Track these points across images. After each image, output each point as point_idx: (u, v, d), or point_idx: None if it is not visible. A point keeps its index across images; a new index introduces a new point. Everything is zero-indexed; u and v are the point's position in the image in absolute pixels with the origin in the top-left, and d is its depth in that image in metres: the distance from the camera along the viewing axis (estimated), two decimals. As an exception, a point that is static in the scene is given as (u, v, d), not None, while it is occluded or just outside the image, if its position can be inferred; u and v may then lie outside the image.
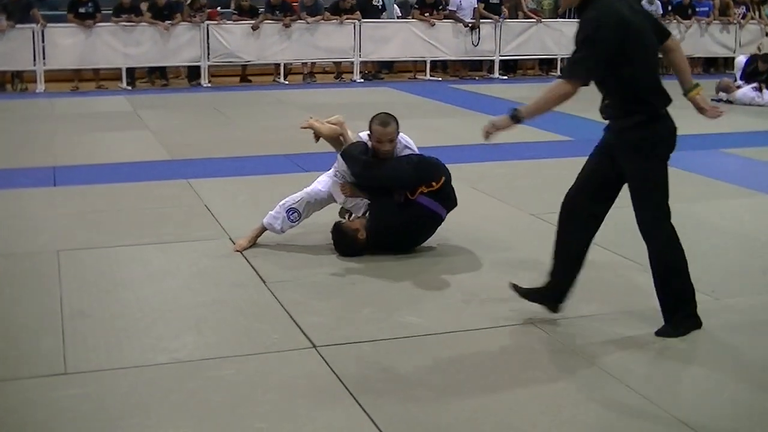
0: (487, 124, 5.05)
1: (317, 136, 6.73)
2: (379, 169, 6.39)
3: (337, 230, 6.45)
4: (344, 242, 6.41)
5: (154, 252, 6.59)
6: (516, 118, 5.02)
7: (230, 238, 6.81)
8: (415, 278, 6.01)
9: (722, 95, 15.60)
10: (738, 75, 16.18)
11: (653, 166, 5.00)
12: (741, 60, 16.41)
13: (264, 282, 5.80)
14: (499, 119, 5.10)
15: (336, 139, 6.69)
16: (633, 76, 4.87)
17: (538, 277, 6.05)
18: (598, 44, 4.76)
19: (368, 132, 6.45)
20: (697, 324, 5.10)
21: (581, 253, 5.23)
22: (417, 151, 6.67)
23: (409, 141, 6.69)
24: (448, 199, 6.47)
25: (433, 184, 6.36)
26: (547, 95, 4.92)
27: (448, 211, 6.50)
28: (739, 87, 15.53)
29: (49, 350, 4.80)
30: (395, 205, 6.39)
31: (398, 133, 6.43)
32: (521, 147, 10.94)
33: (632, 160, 4.98)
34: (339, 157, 6.59)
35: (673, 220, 7.41)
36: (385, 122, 6.33)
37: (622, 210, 7.81)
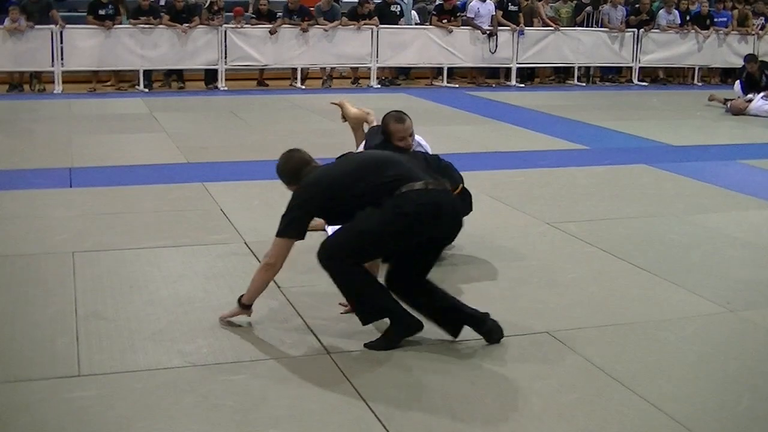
0: (221, 314, 5.27)
1: (344, 117, 6.95)
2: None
3: None
4: None
5: (169, 255, 6.60)
6: (242, 304, 5.16)
7: (245, 242, 6.81)
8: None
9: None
10: (739, 92, 16.02)
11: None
12: (737, 87, 16.24)
13: (279, 287, 5.79)
14: (230, 310, 5.26)
15: (359, 124, 6.84)
16: None
17: (552, 287, 6.05)
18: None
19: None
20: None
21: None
22: (430, 152, 6.67)
23: (422, 141, 6.70)
24: (464, 204, 6.45)
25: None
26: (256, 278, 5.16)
27: (464, 215, 6.48)
28: (749, 101, 15.42)
29: (63, 351, 4.81)
30: None
31: None
32: (537, 155, 10.95)
33: None
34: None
35: (689, 231, 7.45)
36: (401, 119, 6.31)
37: (636, 220, 7.83)
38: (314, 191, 4.92)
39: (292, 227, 4.89)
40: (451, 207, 4.91)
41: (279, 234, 4.92)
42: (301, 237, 4.93)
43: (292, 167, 5.09)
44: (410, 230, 4.77)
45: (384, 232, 4.76)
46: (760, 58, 16.90)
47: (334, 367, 4.70)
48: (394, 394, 4.41)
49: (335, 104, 7.08)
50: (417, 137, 6.56)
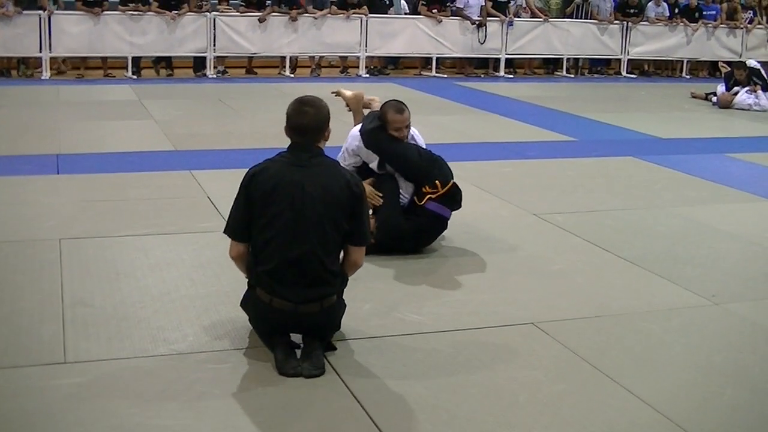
0: None
1: (347, 104, 7.23)
2: (390, 142, 6.44)
3: None
4: None
5: (156, 242, 6.59)
6: None
7: (232, 231, 6.81)
8: (417, 277, 6.01)
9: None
10: (722, 90, 16.01)
11: None
12: (720, 88, 16.22)
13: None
14: None
15: (359, 107, 7.15)
16: None
17: (538, 278, 6.07)
18: None
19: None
20: None
21: None
22: (423, 145, 6.69)
23: (416, 134, 6.72)
24: (453, 201, 6.47)
25: (437, 184, 6.36)
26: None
27: (452, 211, 6.51)
28: (735, 94, 15.48)
29: (49, 338, 4.80)
30: (402, 210, 6.42)
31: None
32: (525, 146, 10.97)
33: None
34: (350, 135, 6.68)
35: (676, 224, 7.48)
36: (400, 109, 6.38)
37: (623, 212, 7.85)
38: None
39: None
40: None
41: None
42: None
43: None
44: None
45: None
46: (749, 58, 16.98)
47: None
48: (380, 384, 4.42)
49: (335, 93, 7.28)
50: (413, 130, 6.60)
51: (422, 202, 6.38)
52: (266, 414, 4.09)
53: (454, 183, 6.45)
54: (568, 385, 4.50)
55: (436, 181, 6.38)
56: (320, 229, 4.56)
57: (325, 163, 4.71)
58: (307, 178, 4.58)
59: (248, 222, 4.66)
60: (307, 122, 4.68)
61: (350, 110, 7.14)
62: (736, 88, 15.58)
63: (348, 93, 7.22)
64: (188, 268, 6.08)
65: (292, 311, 4.54)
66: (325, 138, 4.78)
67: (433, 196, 6.37)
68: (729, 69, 16.35)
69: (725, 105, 15.36)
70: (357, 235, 4.73)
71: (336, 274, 4.68)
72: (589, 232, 7.14)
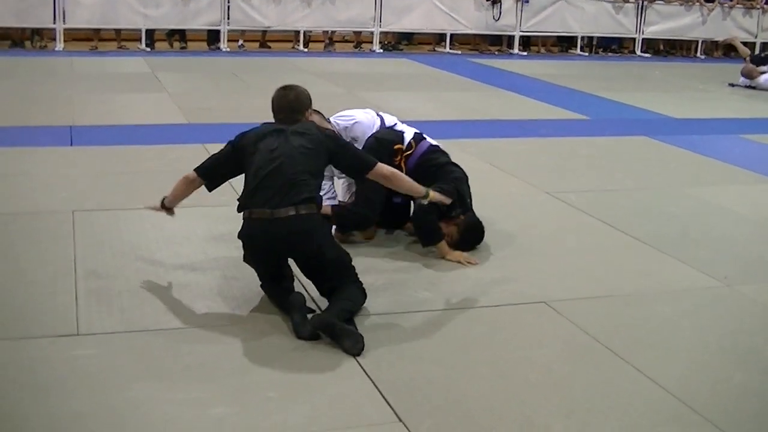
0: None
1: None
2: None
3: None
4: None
5: (169, 216, 6.59)
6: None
7: (245, 205, 6.80)
8: (428, 254, 5.99)
9: (743, 81, 15.49)
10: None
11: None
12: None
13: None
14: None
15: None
16: None
17: (550, 257, 6.06)
18: None
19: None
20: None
21: None
22: (356, 121, 6.44)
23: (346, 116, 6.51)
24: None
25: (400, 146, 6.20)
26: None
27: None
28: (762, 73, 15.36)
29: (62, 310, 4.82)
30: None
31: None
32: (537, 124, 10.95)
33: None
34: (359, 127, 6.53)
35: (689, 204, 7.46)
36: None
37: (636, 192, 7.84)
38: None
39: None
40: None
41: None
42: None
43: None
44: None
45: None
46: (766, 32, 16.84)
47: (332, 333, 4.71)
48: (393, 361, 4.43)
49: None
50: (338, 119, 6.47)
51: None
52: (278, 390, 4.10)
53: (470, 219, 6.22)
54: (580, 365, 4.51)
55: (398, 145, 6.23)
56: (298, 161, 4.91)
57: (308, 125, 5.20)
58: (290, 131, 5.07)
59: (221, 171, 5.30)
60: (286, 103, 5.25)
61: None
62: (762, 68, 15.43)
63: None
64: (201, 241, 6.09)
65: (269, 219, 4.77)
66: (307, 119, 5.27)
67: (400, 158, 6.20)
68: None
69: (748, 75, 15.25)
70: (358, 163, 5.23)
71: (312, 189, 4.90)
72: (602, 211, 7.13)
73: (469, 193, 6.25)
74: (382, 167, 5.18)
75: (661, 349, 4.73)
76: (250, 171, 4.96)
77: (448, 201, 5.63)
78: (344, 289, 4.83)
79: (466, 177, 6.29)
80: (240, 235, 4.98)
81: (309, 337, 4.56)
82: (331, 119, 6.38)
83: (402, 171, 5.73)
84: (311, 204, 4.84)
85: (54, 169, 7.78)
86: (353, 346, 4.46)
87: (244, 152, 5.07)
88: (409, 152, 6.19)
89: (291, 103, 5.24)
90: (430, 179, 5.89)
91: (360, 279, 4.98)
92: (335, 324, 4.52)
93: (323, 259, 4.85)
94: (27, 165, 7.87)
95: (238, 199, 5.02)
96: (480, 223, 6.18)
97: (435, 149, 6.36)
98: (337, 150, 5.12)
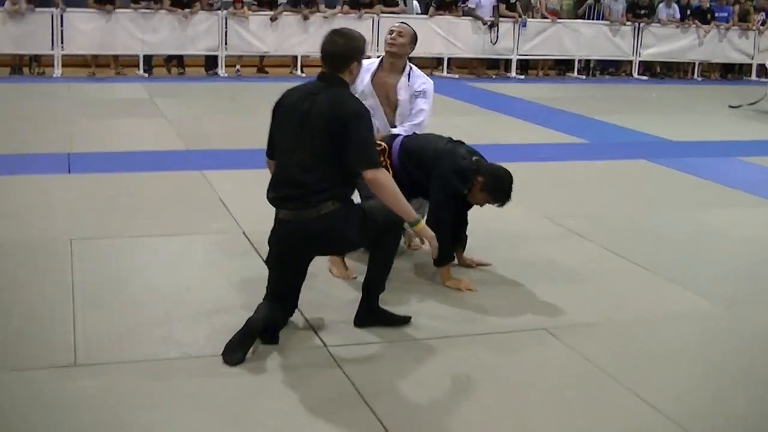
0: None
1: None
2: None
3: None
4: None
5: (167, 243, 6.59)
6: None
7: (243, 232, 6.80)
8: (429, 281, 5.99)
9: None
10: None
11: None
12: None
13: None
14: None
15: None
16: None
17: (550, 282, 6.05)
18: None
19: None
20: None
21: None
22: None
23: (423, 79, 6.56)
24: None
25: (383, 146, 6.00)
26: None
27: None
28: None
29: (60, 340, 4.80)
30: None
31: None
32: (536, 148, 10.96)
33: None
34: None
35: (688, 228, 7.45)
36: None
37: (635, 216, 7.83)
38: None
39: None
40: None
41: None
42: None
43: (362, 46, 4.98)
44: None
45: None
46: (762, 53, 16.78)
47: (331, 361, 4.69)
48: (391, 389, 4.41)
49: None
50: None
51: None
52: (276, 420, 4.08)
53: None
54: (580, 391, 4.49)
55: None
56: (310, 145, 4.75)
57: (333, 92, 4.84)
58: (313, 105, 4.78)
59: (272, 140, 5.14)
60: (332, 50, 4.88)
61: None
62: None
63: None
64: (200, 269, 6.08)
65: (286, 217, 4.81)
66: (351, 72, 4.93)
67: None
68: None
69: None
70: (356, 157, 4.73)
71: (324, 184, 4.75)
72: (601, 236, 7.12)
73: (469, 149, 6.08)
74: (376, 176, 4.74)
75: (661, 375, 4.71)
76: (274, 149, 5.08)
77: (434, 245, 4.99)
78: None
79: (452, 144, 6.11)
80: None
81: (231, 363, 4.59)
82: None
83: (389, 172, 5.37)
84: (325, 200, 4.78)
85: (52, 196, 7.77)
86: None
87: (274, 120, 5.08)
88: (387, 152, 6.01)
89: (335, 53, 4.87)
90: (418, 173, 5.88)
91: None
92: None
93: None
94: (25, 193, 7.87)
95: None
96: (498, 168, 5.94)
97: (408, 139, 6.16)
98: (343, 133, 4.71)
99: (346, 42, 4.89)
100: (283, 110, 4.96)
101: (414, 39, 6.49)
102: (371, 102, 6.28)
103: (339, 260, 5.95)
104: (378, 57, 6.79)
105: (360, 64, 5.00)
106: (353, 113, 4.75)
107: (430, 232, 4.93)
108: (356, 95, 6.01)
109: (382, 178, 4.76)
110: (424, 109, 6.54)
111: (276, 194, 4.88)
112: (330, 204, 4.72)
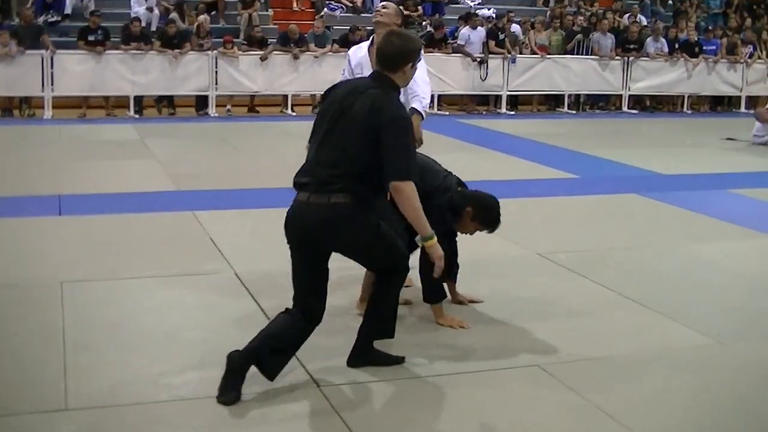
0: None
1: None
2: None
3: None
4: None
5: (158, 285, 6.57)
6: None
7: (235, 273, 6.78)
8: (421, 319, 5.97)
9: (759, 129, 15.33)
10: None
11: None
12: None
13: (268, 319, 5.74)
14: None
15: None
16: None
17: (542, 319, 6.03)
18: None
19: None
20: None
21: None
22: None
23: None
24: None
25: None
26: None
27: None
28: None
29: (50, 384, 4.77)
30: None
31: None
32: (528, 184, 10.95)
33: None
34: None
35: (679, 262, 7.45)
36: None
37: (627, 251, 7.82)
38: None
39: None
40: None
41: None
42: None
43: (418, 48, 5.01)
44: None
45: None
46: (751, 86, 16.82)
47: (324, 400, 4.67)
48: (383, 428, 4.38)
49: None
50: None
51: None
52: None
53: None
54: (574, 428, 4.46)
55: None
56: (340, 141, 4.75)
57: (377, 93, 4.79)
58: (354, 103, 4.77)
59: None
60: (387, 49, 4.89)
61: None
62: None
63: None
64: (191, 311, 6.06)
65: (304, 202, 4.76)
66: (404, 73, 4.93)
67: None
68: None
69: (763, 120, 15.23)
70: (388, 166, 4.67)
71: (340, 181, 4.71)
72: (593, 271, 7.11)
73: (458, 180, 6.25)
74: (398, 190, 4.70)
75: (655, 411, 4.69)
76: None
77: (440, 266, 4.96)
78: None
79: (448, 177, 6.29)
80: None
81: (226, 403, 4.58)
82: None
83: None
84: (349, 193, 4.73)
85: (42, 239, 7.75)
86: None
87: (322, 100, 5.17)
88: None
89: (389, 53, 4.88)
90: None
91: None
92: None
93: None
94: (15, 235, 7.85)
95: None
96: (484, 195, 5.99)
97: None
98: (381, 139, 4.68)
99: (401, 42, 4.91)
100: (330, 99, 5.00)
101: (399, 12, 6.63)
102: (368, 73, 6.36)
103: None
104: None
105: (414, 67, 4.98)
106: (390, 121, 4.69)
107: (440, 252, 4.87)
108: (352, 68, 6.45)
109: (406, 190, 4.69)
110: (425, 80, 6.99)
111: (298, 179, 4.89)
112: (342, 196, 4.70)
